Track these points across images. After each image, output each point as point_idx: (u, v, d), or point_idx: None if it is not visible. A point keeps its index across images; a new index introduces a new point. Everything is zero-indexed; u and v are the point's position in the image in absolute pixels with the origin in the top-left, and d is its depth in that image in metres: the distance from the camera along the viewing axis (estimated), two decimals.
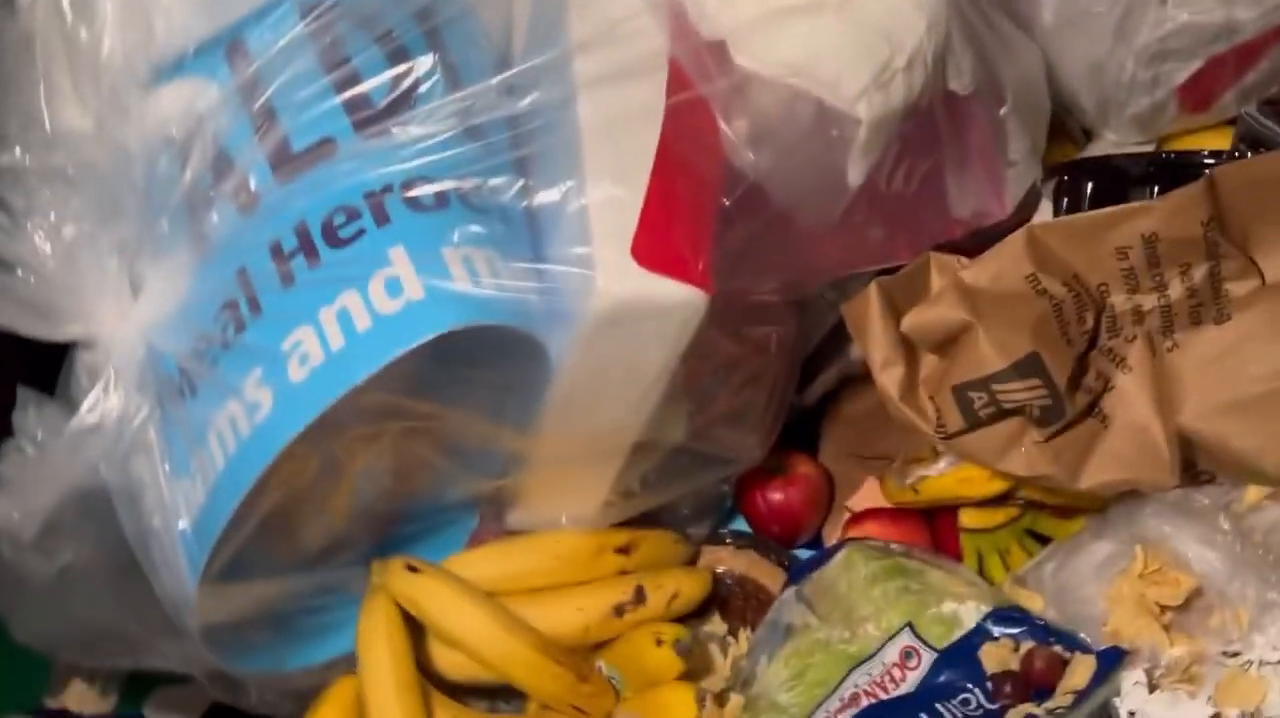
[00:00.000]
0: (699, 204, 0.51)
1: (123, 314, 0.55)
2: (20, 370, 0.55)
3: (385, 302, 0.49)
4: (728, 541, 0.67)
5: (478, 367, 0.52)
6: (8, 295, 0.53)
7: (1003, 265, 0.51)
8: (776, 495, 0.68)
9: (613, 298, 0.50)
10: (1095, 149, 0.70)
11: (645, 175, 0.51)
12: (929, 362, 0.54)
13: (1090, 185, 0.60)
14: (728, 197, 0.52)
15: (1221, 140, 0.63)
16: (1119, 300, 0.52)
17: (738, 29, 0.53)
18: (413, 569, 0.60)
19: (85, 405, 0.54)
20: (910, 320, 0.52)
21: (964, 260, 0.54)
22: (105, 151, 0.54)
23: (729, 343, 0.57)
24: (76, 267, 0.54)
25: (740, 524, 0.70)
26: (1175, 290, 0.51)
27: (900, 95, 0.55)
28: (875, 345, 0.53)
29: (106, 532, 0.55)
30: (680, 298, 0.51)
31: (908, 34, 0.54)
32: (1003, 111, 0.63)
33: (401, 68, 0.55)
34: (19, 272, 0.53)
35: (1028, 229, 0.51)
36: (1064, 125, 0.70)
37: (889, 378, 0.53)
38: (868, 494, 0.68)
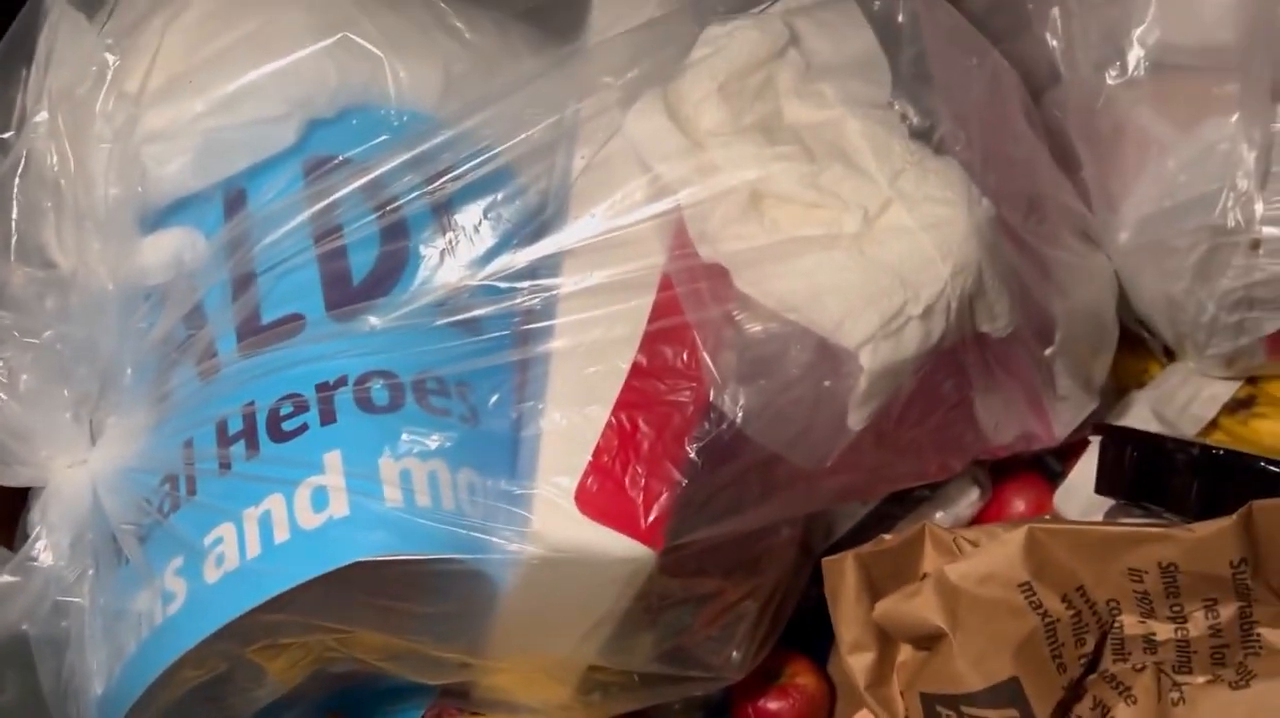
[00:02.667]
0: (661, 447, 0.47)
1: (76, 464, 0.53)
2: None
3: (308, 514, 0.46)
4: None
5: (412, 587, 0.48)
6: None
7: (994, 566, 0.44)
8: (769, 706, 0.63)
9: (546, 545, 0.46)
10: (1176, 374, 0.63)
11: (608, 408, 0.47)
12: (906, 650, 0.47)
13: (1134, 453, 0.53)
14: (698, 440, 0.47)
15: None
16: (1130, 622, 0.45)
17: (741, 254, 0.49)
18: None
19: (17, 557, 0.52)
20: (882, 610, 0.46)
21: (964, 540, 0.48)
22: (81, 297, 0.53)
23: (699, 580, 0.52)
24: (33, 411, 0.52)
25: None
26: (1197, 626, 0.44)
27: (913, 345, 0.49)
28: (846, 625, 0.47)
29: (30, 681, 0.53)
30: (623, 553, 0.46)
31: (928, 280, 0.48)
32: (1048, 352, 0.57)
33: (389, 246, 0.52)
34: None
35: (1030, 529, 0.44)
36: (1144, 342, 0.63)
37: (857, 663, 0.47)
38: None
